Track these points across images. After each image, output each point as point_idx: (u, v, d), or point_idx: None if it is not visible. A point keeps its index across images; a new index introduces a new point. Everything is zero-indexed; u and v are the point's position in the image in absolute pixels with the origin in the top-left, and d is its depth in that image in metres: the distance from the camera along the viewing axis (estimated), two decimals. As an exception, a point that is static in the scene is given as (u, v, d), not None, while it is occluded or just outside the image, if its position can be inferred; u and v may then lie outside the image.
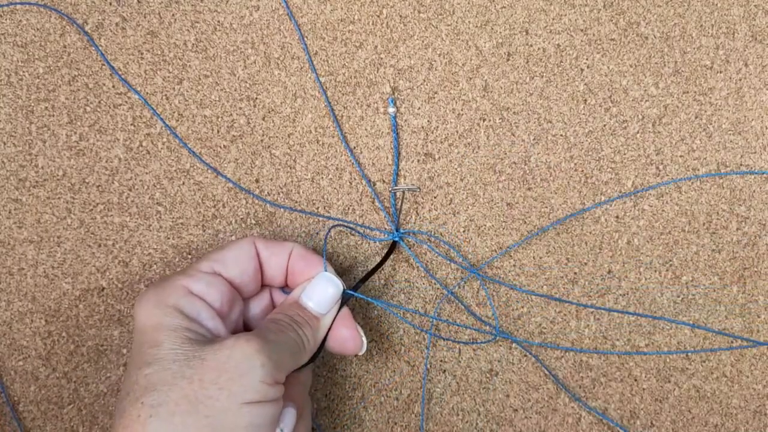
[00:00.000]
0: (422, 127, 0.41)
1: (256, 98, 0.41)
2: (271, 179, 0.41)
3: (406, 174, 0.41)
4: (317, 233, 0.40)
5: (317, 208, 0.41)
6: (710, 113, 0.42)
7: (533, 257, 0.41)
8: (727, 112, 0.42)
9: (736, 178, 0.42)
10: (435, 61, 0.42)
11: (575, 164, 0.41)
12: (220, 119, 0.41)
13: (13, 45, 0.41)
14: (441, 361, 0.40)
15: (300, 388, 0.34)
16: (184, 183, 0.40)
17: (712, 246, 0.41)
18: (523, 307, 0.40)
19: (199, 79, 0.41)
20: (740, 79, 0.42)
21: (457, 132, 0.41)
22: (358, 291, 0.36)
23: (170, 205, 0.40)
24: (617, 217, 0.41)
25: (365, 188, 0.41)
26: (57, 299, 0.39)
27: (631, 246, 0.41)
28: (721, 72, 0.43)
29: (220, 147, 0.41)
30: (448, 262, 0.40)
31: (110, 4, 0.42)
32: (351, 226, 0.40)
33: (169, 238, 0.40)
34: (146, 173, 0.40)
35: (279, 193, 0.41)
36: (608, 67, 0.42)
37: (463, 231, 0.41)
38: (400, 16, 0.42)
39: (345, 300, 0.35)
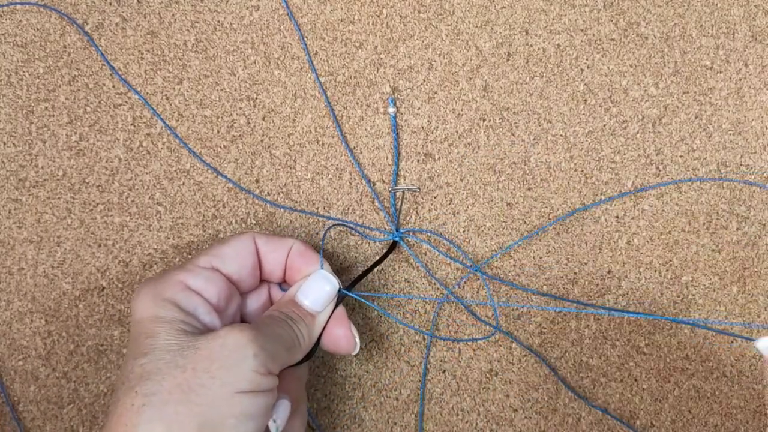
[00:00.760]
0: (422, 127, 0.41)
1: (256, 98, 0.41)
2: (271, 179, 0.41)
3: (406, 174, 0.41)
4: (317, 233, 0.40)
5: (317, 208, 0.41)
6: (710, 113, 0.42)
7: (533, 257, 0.41)
8: (727, 112, 0.42)
9: (736, 178, 0.42)
10: (435, 61, 0.42)
11: (575, 164, 0.41)
12: (220, 119, 0.41)
13: (13, 45, 0.41)
14: (441, 361, 0.40)
15: (296, 382, 0.34)
16: (184, 183, 0.40)
17: (712, 246, 0.41)
18: (523, 307, 0.40)
19: (199, 79, 0.41)
20: (740, 79, 0.42)
21: (457, 132, 0.41)
22: (355, 290, 0.36)
23: (170, 205, 0.40)
24: (617, 217, 0.41)
25: (365, 188, 0.41)
26: (57, 299, 0.39)
27: (631, 246, 0.41)
28: (721, 72, 0.43)
29: (220, 147, 0.41)
30: (449, 260, 0.40)
31: (110, 4, 0.42)
32: (351, 225, 0.40)
33: (169, 238, 0.40)
34: (146, 173, 0.40)
35: (279, 193, 0.41)
36: (608, 67, 0.42)
37: (463, 231, 0.41)
38: (400, 16, 0.42)
39: (341, 299, 0.35)
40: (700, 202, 0.41)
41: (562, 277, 0.41)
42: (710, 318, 0.41)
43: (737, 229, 0.41)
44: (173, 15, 0.42)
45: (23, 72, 0.41)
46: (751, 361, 0.40)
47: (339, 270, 0.40)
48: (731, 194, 0.42)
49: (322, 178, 0.41)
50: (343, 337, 0.34)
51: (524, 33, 0.42)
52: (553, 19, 0.42)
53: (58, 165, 0.40)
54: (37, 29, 0.41)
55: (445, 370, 0.40)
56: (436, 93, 0.42)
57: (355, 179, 0.41)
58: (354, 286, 0.36)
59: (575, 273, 0.41)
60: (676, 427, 0.40)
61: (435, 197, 0.41)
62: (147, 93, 0.41)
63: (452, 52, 0.42)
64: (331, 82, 0.41)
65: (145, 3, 0.42)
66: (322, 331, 0.34)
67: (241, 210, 0.40)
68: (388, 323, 0.40)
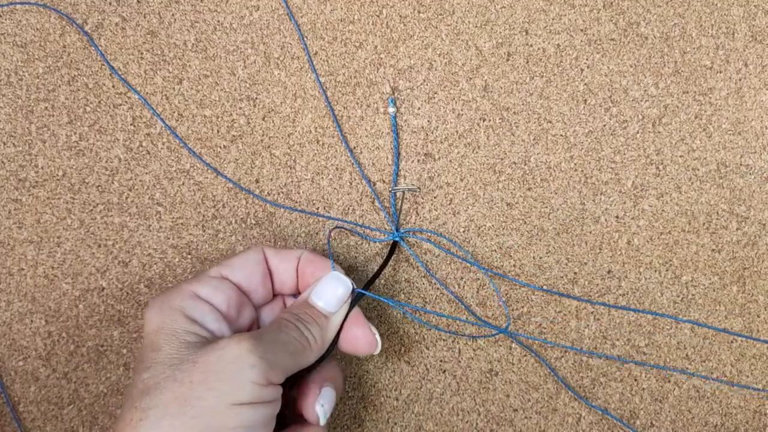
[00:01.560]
0: (422, 127, 0.41)
1: (256, 98, 0.41)
2: (271, 179, 0.41)
3: (406, 174, 0.41)
4: (317, 233, 0.40)
5: (317, 208, 0.40)
6: (710, 113, 0.42)
7: (533, 257, 0.41)
8: (727, 112, 0.42)
9: (736, 178, 0.42)
10: (435, 61, 0.42)
11: (575, 164, 0.41)
12: (220, 119, 0.41)
13: (13, 45, 0.41)
14: (441, 361, 0.40)
15: (334, 371, 0.34)
16: (184, 183, 0.40)
17: (712, 246, 0.41)
18: (523, 306, 0.40)
19: (199, 79, 0.41)
20: (740, 79, 0.42)
21: (457, 132, 0.41)
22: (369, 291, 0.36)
23: (170, 205, 0.40)
24: (617, 217, 0.41)
25: (365, 188, 0.41)
26: (57, 299, 0.39)
27: (631, 246, 0.41)
28: (721, 72, 0.43)
29: (220, 147, 0.41)
30: (452, 257, 0.40)
31: (110, 4, 0.42)
32: (351, 227, 0.40)
33: (169, 238, 0.40)
34: (146, 173, 0.40)
35: (279, 193, 0.41)
36: (608, 67, 0.42)
37: (463, 231, 0.41)
38: (400, 16, 0.42)
39: (356, 300, 0.35)
40: (700, 202, 0.41)
41: (562, 277, 0.41)
42: (710, 317, 0.41)
43: (737, 229, 0.41)
44: (173, 15, 0.42)
45: (23, 72, 0.41)
46: (750, 361, 0.41)
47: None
48: (731, 194, 0.42)
49: (322, 178, 0.41)
50: (362, 336, 0.34)
51: (524, 33, 0.42)
52: (553, 19, 0.42)
53: (58, 165, 0.40)
54: (37, 29, 0.41)
55: (445, 370, 0.40)
56: (436, 93, 0.42)
57: (355, 179, 0.41)
58: (368, 288, 0.36)
59: (575, 273, 0.41)
60: (676, 427, 0.40)
61: (435, 197, 0.41)
62: (147, 93, 0.41)
63: (452, 52, 0.42)
64: (331, 82, 0.41)
65: (145, 3, 0.42)
66: (339, 332, 0.34)
67: (241, 210, 0.40)
68: (388, 324, 0.40)
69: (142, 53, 0.41)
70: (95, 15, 0.41)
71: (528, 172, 0.41)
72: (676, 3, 0.43)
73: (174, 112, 0.41)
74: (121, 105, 0.41)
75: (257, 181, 0.41)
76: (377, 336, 0.35)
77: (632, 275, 0.41)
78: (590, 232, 0.41)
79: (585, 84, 0.42)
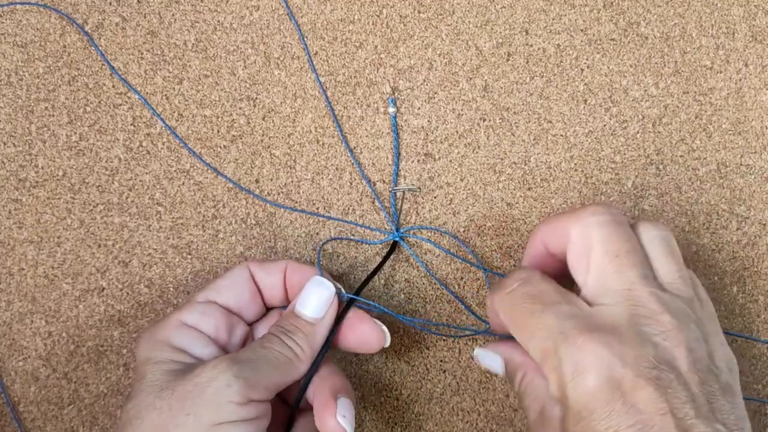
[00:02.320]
0: (422, 127, 0.41)
1: (256, 98, 0.41)
2: (271, 179, 0.41)
3: (406, 174, 0.41)
4: (317, 233, 0.40)
5: (317, 208, 0.41)
6: (710, 113, 0.42)
7: (533, 257, 0.41)
8: (727, 112, 0.42)
9: (736, 178, 0.42)
10: (435, 61, 0.42)
11: (575, 164, 0.41)
12: (220, 119, 0.41)
13: (13, 45, 0.41)
14: (441, 361, 0.40)
15: (341, 380, 0.34)
16: (184, 183, 0.40)
17: (712, 246, 0.41)
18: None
19: (199, 79, 0.41)
20: (740, 79, 0.42)
21: (457, 132, 0.41)
22: (361, 294, 0.36)
23: (170, 205, 0.40)
24: (617, 217, 0.41)
25: (365, 188, 0.41)
26: (57, 300, 0.39)
27: (631, 246, 0.41)
28: (721, 72, 0.43)
29: (220, 147, 0.41)
30: (452, 257, 0.40)
31: (110, 4, 0.42)
32: (347, 237, 0.40)
33: (169, 238, 0.40)
34: (146, 173, 0.40)
35: (279, 193, 0.41)
36: (608, 67, 0.42)
37: (463, 231, 0.41)
38: (400, 16, 0.42)
39: (349, 305, 0.35)
40: (700, 202, 0.41)
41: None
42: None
43: (737, 229, 0.41)
44: (173, 15, 0.42)
45: (23, 72, 0.41)
46: (750, 361, 0.41)
47: (340, 272, 0.40)
48: (731, 194, 0.42)
49: (322, 178, 0.41)
50: (369, 332, 0.34)
51: (524, 33, 0.42)
52: (553, 19, 0.42)
53: (58, 165, 0.40)
54: (37, 29, 0.41)
55: (445, 370, 0.40)
56: (436, 93, 0.42)
57: (355, 179, 0.41)
58: (360, 292, 0.36)
59: (575, 273, 0.41)
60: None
61: (435, 197, 0.41)
62: (147, 93, 0.41)
63: (452, 52, 0.42)
64: (331, 82, 0.41)
65: (145, 3, 0.42)
66: (332, 336, 0.34)
67: (241, 210, 0.40)
68: (388, 324, 0.40)
69: (142, 53, 0.41)
70: (95, 15, 0.41)
71: (528, 172, 0.41)
72: (676, 3, 0.43)
73: (174, 112, 0.41)
74: (121, 105, 0.41)
75: (257, 181, 0.41)
76: (384, 328, 0.35)
77: (632, 275, 0.41)
78: (590, 232, 0.41)
79: (585, 84, 0.42)
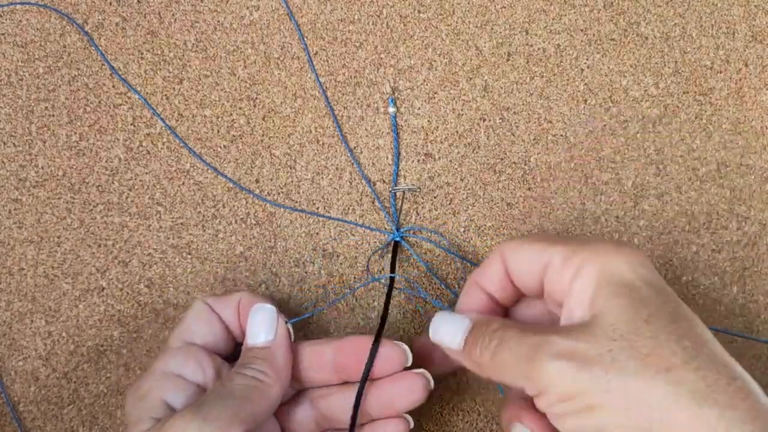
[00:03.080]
0: (422, 127, 0.41)
1: (256, 98, 0.41)
2: (271, 179, 0.41)
3: (406, 174, 0.41)
4: (317, 233, 0.40)
5: (317, 208, 0.41)
6: (710, 113, 0.42)
7: (533, 257, 0.41)
8: (728, 112, 0.42)
9: (736, 178, 0.42)
10: (435, 61, 0.42)
11: (575, 164, 0.41)
12: (220, 119, 0.41)
13: (13, 45, 0.41)
14: (441, 361, 0.40)
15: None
16: (184, 183, 0.40)
17: (712, 246, 0.41)
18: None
19: (199, 79, 0.41)
20: (740, 79, 0.42)
21: (457, 132, 0.41)
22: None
23: (170, 205, 0.40)
24: (617, 217, 0.41)
25: (365, 188, 0.41)
26: (57, 299, 0.39)
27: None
28: (721, 72, 0.43)
29: (220, 147, 0.41)
30: (452, 257, 0.40)
31: (110, 4, 0.42)
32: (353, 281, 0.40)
33: (169, 238, 0.40)
34: (146, 173, 0.40)
35: (279, 193, 0.41)
36: (608, 67, 0.42)
37: (463, 231, 0.41)
38: (400, 16, 0.42)
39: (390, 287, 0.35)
40: (700, 202, 0.41)
41: (562, 277, 0.41)
42: (710, 318, 0.41)
43: (737, 229, 0.41)
44: (173, 15, 0.42)
45: (23, 72, 0.41)
46: (750, 361, 0.40)
47: (340, 271, 0.40)
48: (731, 194, 0.42)
49: (322, 178, 0.41)
50: (393, 355, 0.33)
51: (524, 33, 0.42)
52: (553, 19, 0.42)
53: (58, 165, 0.40)
54: (37, 29, 0.41)
55: (445, 370, 0.40)
56: (436, 93, 0.42)
57: (355, 179, 0.41)
58: (380, 334, 0.34)
59: (575, 273, 0.41)
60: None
61: (435, 197, 0.41)
62: (147, 93, 0.41)
63: (452, 52, 0.42)
64: (331, 82, 0.41)
65: (145, 3, 0.42)
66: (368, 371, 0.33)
67: (241, 210, 0.40)
68: (388, 324, 0.40)
69: (142, 53, 0.41)
70: (95, 15, 0.41)
71: (528, 172, 0.41)
72: (676, 3, 0.43)
73: (174, 112, 0.41)
74: (121, 105, 0.41)
75: (257, 181, 0.41)
76: (403, 346, 0.34)
77: (632, 275, 0.41)
78: (590, 232, 0.41)
79: (585, 84, 0.42)
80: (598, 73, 0.42)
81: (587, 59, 0.42)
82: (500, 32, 0.42)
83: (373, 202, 0.41)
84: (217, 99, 0.41)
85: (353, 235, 0.40)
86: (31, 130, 0.40)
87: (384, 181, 0.41)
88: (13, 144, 0.40)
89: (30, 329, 0.39)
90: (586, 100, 0.42)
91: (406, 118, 0.41)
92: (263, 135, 0.41)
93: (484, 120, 0.41)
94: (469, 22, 0.42)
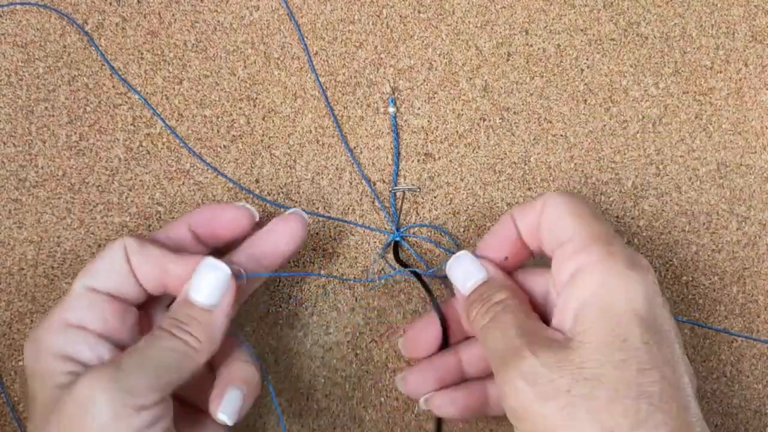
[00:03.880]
0: (422, 127, 0.41)
1: (256, 98, 0.41)
2: (271, 179, 0.41)
3: (406, 174, 0.41)
4: (317, 233, 0.40)
5: (317, 208, 0.41)
6: (710, 113, 0.42)
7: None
8: (727, 112, 0.42)
9: (736, 178, 0.42)
10: (435, 61, 0.42)
11: (575, 164, 0.41)
12: (220, 119, 0.41)
13: (13, 45, 0.41)
14: (441, 361, 0.40)
15: (237, 365, 0.31)
16: (184, 183, 0.40)
17: (712, 246, 0.41)
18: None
19: (199, 79, 0.41)
20: (740, 79, 0.42)
21: (457, 132, 0.41)
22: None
23: (170, 205, 0.40)
24: (617, 217, 0.41)
25: (365, 188, 0.41)
26: (57, 299, 0.39)
27: (631, 245, 0.41)
28: (721, 72, 0.43)
29: (220, 147, 0.41)
30: (450, 254, 0.40)
31: (110, 4, 0.42)
32: (343, 279, 0.40)
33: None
34: (146, 173, 0.40)
35: (279, 193, 0.41)
36: (608, 67, 0.42)
37: (463, 231, 0.41)
38: (400, 16, 0.42)
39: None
40: (700, 202, 0.41)
41: (562, 277, 0.41)
42: (710, 318, 0.41)
43: (737, 229, 0.41)
44: (173, 15, 0.42)
45: (23, 72, 0.41)
46: (750, 361, 0.41)
47: (340, 271, 0.40)
48: (731, 194, 0.42)
49: (322, 178, 0.41)
50: (241, 216, 0.33)
51: (524, 33, 0.42)
52: (553, 19, 0.42)
53: (58, 165, 0.40)
54: (37, 29, 0.41)
55: (445, 370, 0.40)
56: (436, 93, 0.42)
57: (355, 179, 0.41)
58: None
59: (575, 273, 0.41)
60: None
61: (435, 197, 0.41)
62: (147, 93, 0.41)
63: (452, 52, 0.42)
64: (331, 82, 0.41)
65: (145, 3, 0.42)
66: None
67: (241, 210, 0.40)
68: (388, 323, 0.40)
69: (142, 53, 0.41)
70: (95, 15, 0.41)
71: (528, 172, 0.41)
72: (676, 3, 0.43)
73: (174, 112, 0.41)
74: (121, 105, 0.41)
75: (257, 181, 0.41)
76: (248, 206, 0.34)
77: (632, 275, 0.41)
78: (590, 232, 0.41)
79: (585, 84, 0.42)
80: (598, 73, 0.42)
81: (587, 59, 0.42)
82: (500, 32, 0.42)
83: (373, 202, 0.41)
84: (217, 99, 0.41)
85: (353, 235, 0.40)
86: (31, 130, 0.40)
87: (384, 181, 0.41)
88: (13, 144, 0.40)
89: (30, 329, 0.39)
90: (586, 100, 0.42)
91: (406, 118, 0.41)
92: (263, 135, 0.41)
93: (484, 120, 0.42)
94: (469, 22, 0.42)
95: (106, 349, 0.30)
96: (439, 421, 0.37)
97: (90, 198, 0.40)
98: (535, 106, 0.42)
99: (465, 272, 0.33)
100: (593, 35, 0.42)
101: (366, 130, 0.41)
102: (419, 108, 0.41)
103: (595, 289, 0.28)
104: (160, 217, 0.40)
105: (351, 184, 0.41)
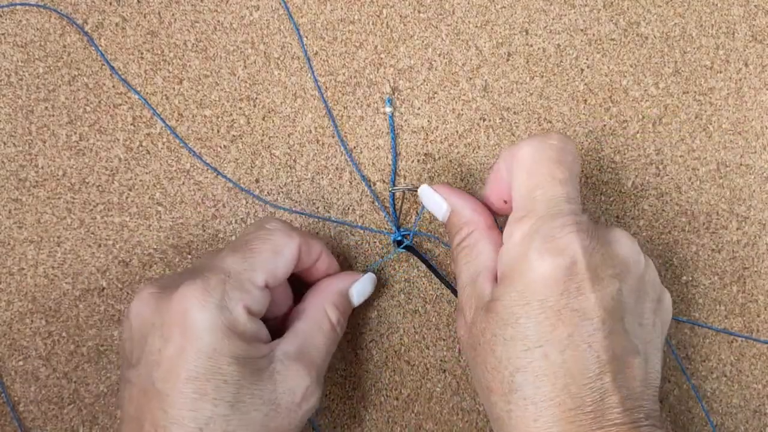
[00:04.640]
0: (422, 127, 0.41)
1: (256, 98, 0.41)
2: (271, 179, 0.41)
3: (406, 174, 0.41)
4: (317, 233, 0.40)
5: (317, 208, 0.41)
6: (710, 113, 0.42)
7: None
8: (727, 112, 0.42)
9: (736, 178, 0.42)
10: (435, 61, 0.42)
11: (575, 164, 0.41)
12: (220, 119, 0.41)
13: (13, 45, 0.41)
14: (441, 360, 0.40)
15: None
16: (184, 183, 0.40)
17: (712, 246, 0.41)
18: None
19: (199, 79, 0.41)
20: (740, 79, 0.42)
21: (457, 132, 0.41)
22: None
23: (170, 205, 0.40)
24: (617, 217, 0.41)
25: (365, 188, 0.41)
26: (57, 299, 0.39)
27: (631, 246, 0.41)
28: (721, 72, 0.43)
29: (220, 147, 0.41)
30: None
31: (110, 4, 0.42)
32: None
33: (169, 238, 0.40)
34: (146, 173, 0.40)
35: (279, 193, 0.41)
36: (608, 67, 0.42)
37: (463, 231, 0.41)
38: (400, 16, 0.42)
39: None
40: (700, 202, 0.41)
41: (562, 277, 0.41)
42: (710, 317, 0.41)
43: (737, 229, 0.41)
44: (173, 15, 0.42)
45: (23, 72, 0.41)
46: (750, 361, 0.41)
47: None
48: (731, 194, 0.42)
49: (322, 178, 0.41)
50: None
51: (524, 33, 0.42)
52: (553, 19, 0.42)
53: (58, 165, 0.40)
54: (37, 29, 0.41)
55: (445, 370, 0.40)
56: (436, 93, 0.42)
57: (355, 179, 0.41)
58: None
59: (575, 273, 0.41)
60: (676, 427, 0.40)
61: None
62: (147, 93, 0.41)
63: (452, 52, 0.42)
64: (331, 82, 0.41)
65: (145, 3, 0.42)
66: None
67: (241, 210, 0.40)
68: (388, 324, 0.40)
69: (142, 53, 0.41)
70: (95, 15, 0.41)
71: (528, 172, 0.41)
72: (676, 3, 0.43)
73: (174, 112, 0.41)
74: (121, 105, 0.41)
75: (257, 181, 0.41)
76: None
77: (632, 275, 0.41)
78: (590, 232, 0.41)
79: (585, 84, 0.42)
80: (598, 73, 0.42)
81: (587, 59, 0.42)
82: (500, 32, 0.42)
83: (373, 202, 0.41)
84: (217, 99, 0.41)
85: (353, 235, 0.40)
86: (31, 130, 0.40)
87: (384, 181, 0.41)
88: (13, 144, 0.40)
89: (30, 329, 0.39)
90: (586, 100, 0.42)
91: (406, 118, 0.41)
92: (263, 135, 0.41)
93: (484, 120, 0.42)
94: (469, 22, 0.42)
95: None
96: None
97: (90, 198, 0.40)
98: (535, 106, 0.42)
99: (434, 205, 0.36)
100: (593, 35, 0.42)
101: (366, 129, 0.41)
102: (419, 108, 0.41)
103: (507, 270, 0.30)
104: (160, 217, 0.40)
105: (351, 184, 0.41)
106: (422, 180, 0.41)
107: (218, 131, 0.41)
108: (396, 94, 0.41)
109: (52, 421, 0.39)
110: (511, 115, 0.42)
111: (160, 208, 0.40)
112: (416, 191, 0.40)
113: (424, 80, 0.42)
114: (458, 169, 0.41)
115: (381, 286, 0.40)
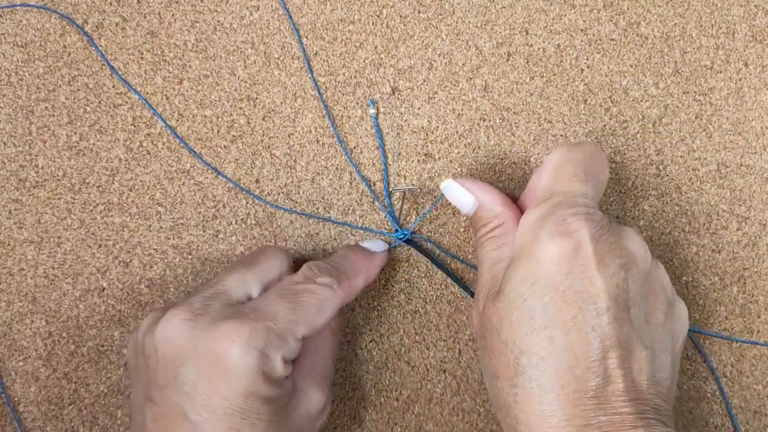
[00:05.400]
0: (422, 127, 0.41)
1: (256, 98, 0.41)
2: (271, 179, 0.41)
3: (406, 174, 0.41)
4: (317, 233, 0.40)
5: (317, 208, 0.41)
6: (710, 113, 0.42)
7: (533, 257, 0.41)
8: (727, 112, 0.42)
9: (736, 178, 0.42)
10: (435, 61, 0.42)
11: (575, 164, 0.41)
12: (220, 119, 0.41)
13: (13, 45, 0.41)
14: (441, 361, 0.40)
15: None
16: (184, 183, 0.40)
17: (712, 246, 0.41)
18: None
19: (199, 79, 0.41)
20: (740, 79, 0.42)
21: (457, 132, 0.41)
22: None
23: (170, 205, 0.40)
24: (617, 217, 0.41)
25: (366, 188, 0.41)
26: (57, 300, 0.39)
27: (631, 246, 0.41)
28: (721, 72, 0.43)
29: (220, 147, 0.41)
30: (451, 258, 0.40)
31: (110, 4, 0.42)
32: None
33: (169, 239, 0.40)
34: (146, 173, 0.40)
35: (279, 194, 0.41)
36: (608, 67, 0.42)
37: (464, 231, 0.41)
38: (400, 16, 0.42)
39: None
40: (700, 202, 0.41)
41: (562, 277, 0.41)
42: (710, 318, 0.41)
43: (737, 229, 0.41)
44: (173, 15, 0.42)
45: (23, 72, 0.41)
46: (751, 362, 0.41)
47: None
48: (731, 194, 0.42)
49: (322, 178, 0.41)
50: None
51: (524, 33, 0.42)
52: (553, 19, 0.42)
53: (58, 165, 0.40)
54: (37, 29, 0.41)
55: (445, 371, 0.40)
56: (436, 93, 0.42)
57: (355, 179, 0.41)
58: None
59: (575, 273, 0.41)
60: (675, 427, 0.40)
61: (435, 197, 0.41)
62: (147, 93, 0.41)
63: (452, 52, 0.42)
64: (331, 82, 0.41)
65: (145, 3, 0.42)
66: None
67: (241, 210, 0.40)
68: (388, 324, 0.40)
69: (142, 53, 0.41)
70: (95, 15, 0.41)
71: (528, 172, 0.41)
72: (676, 3, 0.43)
73: (174, 112, 0.41)
74: (121, 105, 0.41)
75: (257, 181, 0.41)
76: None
77: (632, 275, 0.41)
78: (590, 232, 0.41)
79: (585, 84, 0.42)
80: (598, 73, 0.42)
81: (587, 59, 0.42)
82: (500, 32, 0.42)
83: (373, 203, 0.41)
84: (217, 99, 0.41)
85: (353, 235, 0.40)
86: (31, 130, 0.40)
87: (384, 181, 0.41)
88: (13, 144, 0.40)
89: (30, 329, 0.39)
90: (586, 100, 0.42)
91: (406, 118, 0.41)
92: (263, 135, 0.41)
93: (484, 120, 0.41)
94: (469, 22, 0.42)
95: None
96: None
97: (90, 198, 0.40)
98: (535, 106, 0.42)
99: (460, 199, 0.36)
100: (593, 35, 0.42)
101: (366, 130, 0.41)
102: (419, 108, 0.41)
103: (518, 251, 0.31)
104: (160, 217, 0.40)
105: (351, 184, 0.41)
106: (422, 180, 0.41)
107: (218, 131, 0.41)
108: (396, 94, 0.41)
109: (52, 421, 0.39)
110: (511, 116, 0.42)
111: (160, 209, 0.40)
112: (417, 191, 0.40)
113: (424, 80, 0.42)
114: (458, 169, 0.41)
115: (381, 286, 0.40)
